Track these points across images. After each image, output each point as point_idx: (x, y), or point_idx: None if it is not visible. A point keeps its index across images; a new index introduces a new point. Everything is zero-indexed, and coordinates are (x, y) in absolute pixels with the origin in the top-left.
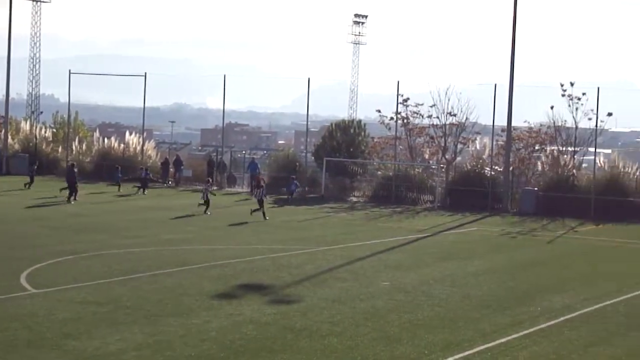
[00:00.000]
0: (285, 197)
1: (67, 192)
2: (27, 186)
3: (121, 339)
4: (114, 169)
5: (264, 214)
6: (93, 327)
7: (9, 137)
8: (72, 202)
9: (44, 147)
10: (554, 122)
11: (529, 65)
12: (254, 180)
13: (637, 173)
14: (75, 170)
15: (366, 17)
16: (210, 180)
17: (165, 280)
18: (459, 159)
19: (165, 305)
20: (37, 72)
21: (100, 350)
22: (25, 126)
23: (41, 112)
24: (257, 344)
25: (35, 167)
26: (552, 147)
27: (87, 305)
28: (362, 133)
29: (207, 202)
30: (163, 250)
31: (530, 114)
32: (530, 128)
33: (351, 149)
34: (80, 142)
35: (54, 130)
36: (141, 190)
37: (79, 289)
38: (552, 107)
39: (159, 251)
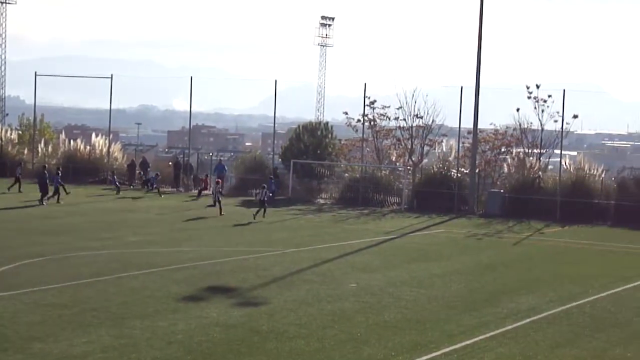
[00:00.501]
0: (254, 198)
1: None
2: (9, 189)
3: (87, 342)
4: (110, 174)
5: (263, 212)
6: (59, 329)
7: None
8: (44, 204)
9: (9, 149)
10: (520, 125)
11: (495, 67)
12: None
13: (603, 175)
14: (46, 172)
15: (333, 19)
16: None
17: (132, 283)
18: (425, 161)
19: (132, 307)
20: (3, 73)
21: (67, 352)
22: None
23: (6, 114)
24: (223, 347)
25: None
26: (518, 149)
27: (53, 308)
28: (329, 135)
29: (218, 203)
30: (129, 253)
31: (496, 116)
32: (497, 130)
33: (318, 151)
34: (46, 144)
35: (20, 132)
36: (153, 189)
37: (45, 292)
38: (518, 110)
39: (125, 253)
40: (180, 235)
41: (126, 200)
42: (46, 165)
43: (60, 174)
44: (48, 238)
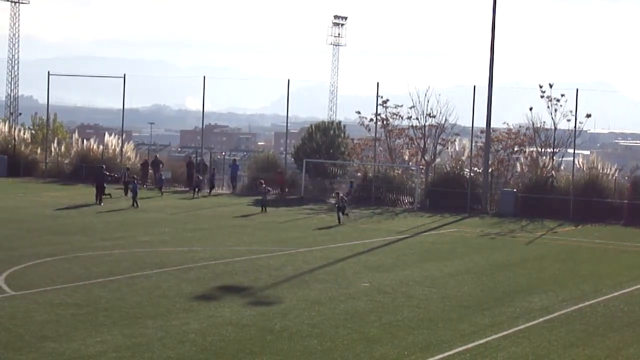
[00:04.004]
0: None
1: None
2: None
3: (100, 341)
4: (159, 173)
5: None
6: (72, 329)
7: None
8: (101, 204)
9: (22, 148)
10: (533, 124)
11: (508, 66)
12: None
13: (616, 174)
14: (105, 173)
15: (346, 18)
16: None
17: (144, 282)
18: (438, 160)
19: (144, 307)
20: (16, 73)
21: (79, 352)
22: (3, 128)
23: (20, 114)
24: (236, 346)
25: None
26: (531, 149)
27: (66, 307)
28: (342, 134)
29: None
30: (141, 252)
31: (509, 115)
32: (509, 129)
33: (331, 151)
34: (59, 143)
35: (33, 131)
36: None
37: (57, 291)
38: (531, 109)
39: (137, 253)
40: (192, 235)
41: (138, 200)
42: (104, 166)
43: (135, 179)
44: (60, 237)
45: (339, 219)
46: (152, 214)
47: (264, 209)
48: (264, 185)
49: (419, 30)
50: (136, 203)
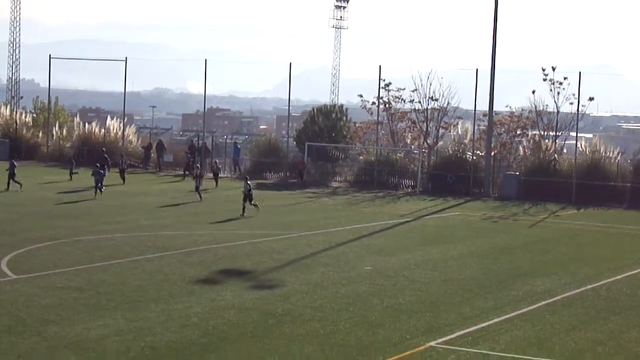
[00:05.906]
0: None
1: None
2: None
3: (103, 325)
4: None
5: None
6: (74, 312)
7: None
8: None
9: (24, 132)
10: (536, 107)
11: (510, 49)
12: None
13: (619, 157)
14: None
15: (347, 1)
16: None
17: (146, 266)
18: (440, 143)
19: (146, 290)
20: (17, 56)
21: (82, 336)
22: (5, 111)
23: (21, 97)
24: (238, 330)
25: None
26: (534, 132)
27: (68, 291)
28: (344, 118)
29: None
30: (143, 236)
31: (511, 98)
32: (512, 113)
33: (333, 134)
34: (60, 127)
35: (34, 115)
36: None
37: (59, 275)
38: (533, 92)
39: (139, 237)
40: (194, 219)
41: (140, 184)
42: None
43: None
44: (61, 221)
45: (243, 209)
46: (153, 197)
47: (200, 196)
48: (200, 169)
49: (421, 13)
50: (100, 190)
